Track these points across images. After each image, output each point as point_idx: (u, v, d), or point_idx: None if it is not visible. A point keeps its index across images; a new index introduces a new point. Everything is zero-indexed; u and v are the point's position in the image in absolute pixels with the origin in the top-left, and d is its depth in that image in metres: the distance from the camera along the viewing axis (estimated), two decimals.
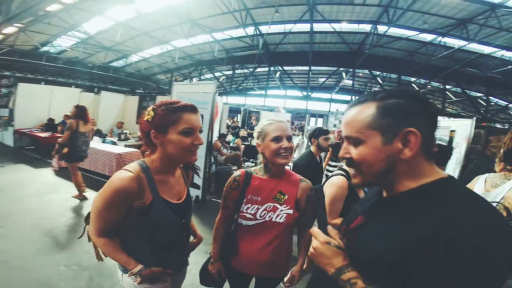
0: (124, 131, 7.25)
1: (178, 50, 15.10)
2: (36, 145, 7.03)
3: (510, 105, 15.32)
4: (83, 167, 5.29)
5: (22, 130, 7.16)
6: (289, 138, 1.26)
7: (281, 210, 1.26)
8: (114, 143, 6.01)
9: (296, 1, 9.57)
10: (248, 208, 1.28)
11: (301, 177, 1.36)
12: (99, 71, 16.12)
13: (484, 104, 14.85)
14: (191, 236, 1.32)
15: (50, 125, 7.26)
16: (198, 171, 1.30)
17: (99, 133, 6.74)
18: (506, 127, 9.13)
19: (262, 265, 1.30)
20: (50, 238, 2.95)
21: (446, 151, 2.34)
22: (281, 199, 1.26)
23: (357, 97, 0.73)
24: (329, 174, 4.93)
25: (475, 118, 4.81)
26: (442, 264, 0.52)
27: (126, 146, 6.16)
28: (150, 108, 1.03)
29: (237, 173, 1.37)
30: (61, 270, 2.41)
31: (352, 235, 0.71)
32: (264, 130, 1.28)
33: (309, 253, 0.75)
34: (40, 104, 7.74)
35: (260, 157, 1.36)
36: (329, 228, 0.76)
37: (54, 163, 5.65)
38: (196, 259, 1.30)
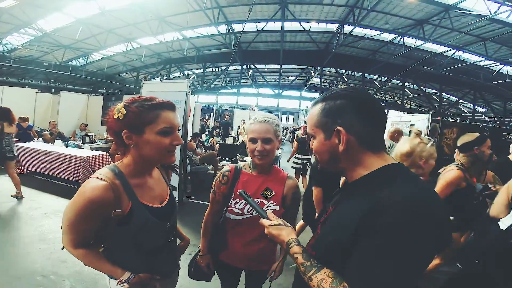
0: (89, 134, 6.81)
1: (145, 48, 14.53)
2: None
3: (460, 101, 16.97)
4: (46, 174, 4.93)
5: None
6: (266, 141, 1.25)
7: (268, 206, 1.28)
8: (78, 147, 5.62)
9: (269, 0, 9.69)
10: (236, 203, 1.30)
11: (288, 174, 1.39)
12: (56, 70, 14.91)
13: (438, 100, 16.26)
14: (177, 239, 1.26)
15: None
16: (176, 169, 1.26)
17: (60, 136, 6.26)
18: (457, 120, 10.10)
19: (250, 258, 1.34)
20: (19, 248, 2.76)
21: None
22: (269, 195, 1.29)
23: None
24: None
25: (431, 112, 5.29)
26: (370, 241, 0.59)
27: (91, 149, 5.79)
28: (121, 105, 0.91)
29: (226, 168, 1.38)
30: (39, 281, 2.26)
31: (324, 224, 0.80)
32: (246, 130, 1.32)
33: (267, 236, 0.86)
34: None
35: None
36: (269, 213, 0.90)
37: None
38: (182, 261, 1.29)
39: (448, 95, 17.90)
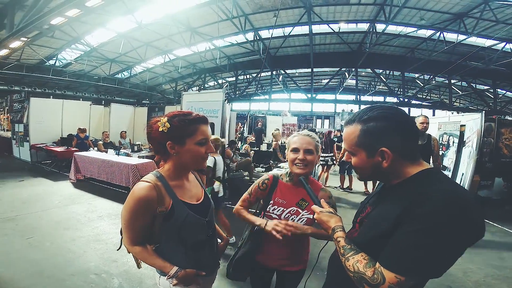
0: (137, 143, 7.38)
1: (181, 59, 15.32)
2: (52, 160, 7.20)
3: None
4: (101, 179, 5.46)
5: (38, 145, 7.33)
6: (307, 152, 1.36)
7: (303, 215, 1.39)
8: (128, 155, 6.13)
9: (293, 4, 9.68)
10: (274, 209, 1.41)
11: (322, 186, 1.49)
12: (105, 83, 16.39)
13: (492, 96, 14.74)
14: (218, 239, 1.38)
15: (65, 139, 7.43)
16: (205, 169, 1.40)
17: (112, 145, 6.87)
18: None
19: (284, 258, 1.44)
20: (77, 247, 3.06)
21: None
22: (303, 205, 1.39)
23: (349, 116, 0.92)
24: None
25: (484, 111, 4.82)
26: (405, 230, 0.69)
27: (139, 157, 6.26)
28: (164, 119, 1.05)
29: (265, 176, 1.51)
30: (92, 279, 2.50)
31: (363, 222, 0.90)
32: (289, 141, 1.45)
33: (316, 221, 1.00)
34: (52, 118, 7.89)
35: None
36: (322, 201, 1.04)
37: (72, 176, 5.81)
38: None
39: (504, 91, 16.10)
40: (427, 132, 3.60)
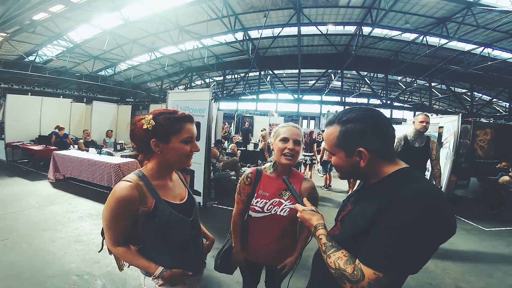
0: (119, 141, 7.21)
1: (167, 57, 15.07)
2: (29, 158, 6.91)
3: (494, 100, 15.96)
4: (81, 179, 5.28)
5: (14, 144, 6.99)
6: (296, 142, 1.38)
7: (285, 205, 1.40)
8: (110, 154, 5.96)
9: (283, 5, 9.75)
10: (257, 202, 1.42)
11: (305, 177, 1.51)
12: (87, 80, 15.87)
13: (469, 99, 15.42)
14: (203, 238, 1.38)
15: (43, 137, 7.13)
16: (189, 171, 1.39)
17: (94, 144, 6.67)
18: (491, 121, 9.52)
19: (271, 253, 1.45)
20: (57, 249, 2.95)
21: None
22: (286, 195, 1.41)
23: (330, 117, 0.95)
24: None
25: (461, 113, 5.04)
26: (381, 227, 0.71)
27: (122, 156, 6.11)
28: (149, 117, 1.04)
29: (249, 170, 1.52)
30: (74, 280, 2.43)
31: (344, 219, 0.93)
32: (277, 131, 1.46)
33: (299, 219, 1.00)
34: (30, 115, 7.57)
35: (272, 156, 1.51)
36: (304, 200, 1.05)
37: (51, 176, 5.59)
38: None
39: (480, 94, 16.89)
40: (427, 133, 3.26)
